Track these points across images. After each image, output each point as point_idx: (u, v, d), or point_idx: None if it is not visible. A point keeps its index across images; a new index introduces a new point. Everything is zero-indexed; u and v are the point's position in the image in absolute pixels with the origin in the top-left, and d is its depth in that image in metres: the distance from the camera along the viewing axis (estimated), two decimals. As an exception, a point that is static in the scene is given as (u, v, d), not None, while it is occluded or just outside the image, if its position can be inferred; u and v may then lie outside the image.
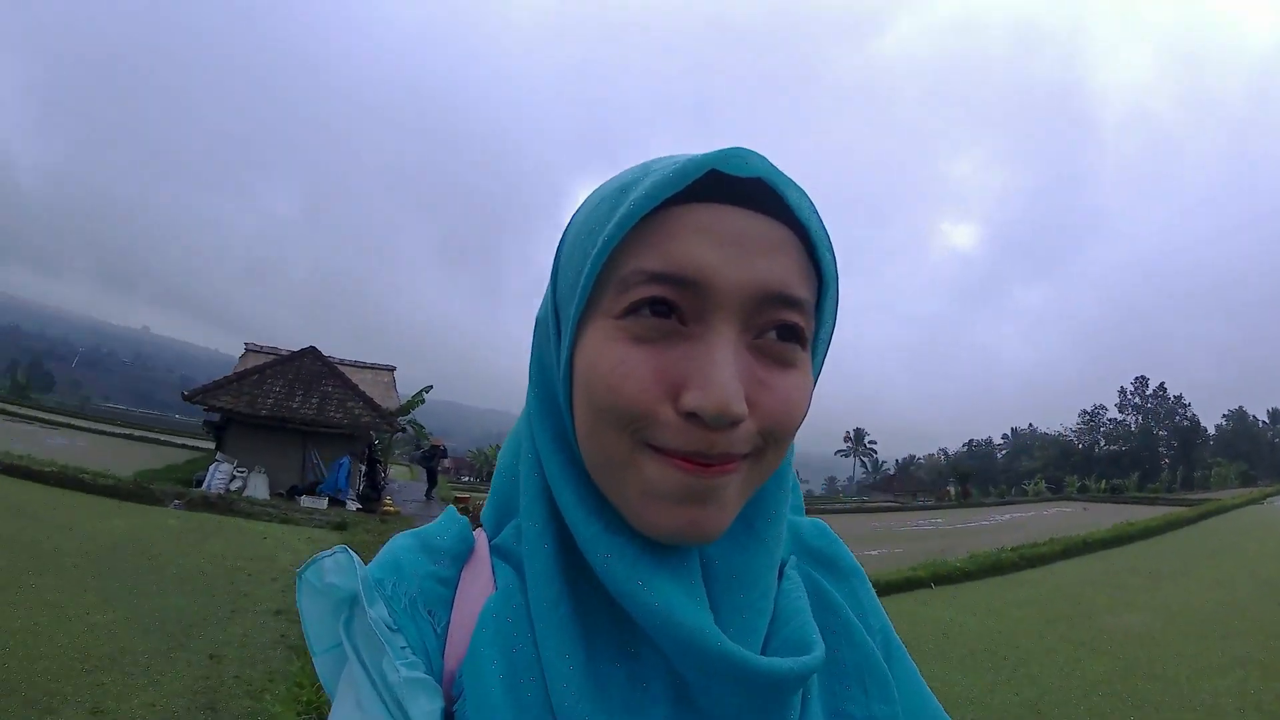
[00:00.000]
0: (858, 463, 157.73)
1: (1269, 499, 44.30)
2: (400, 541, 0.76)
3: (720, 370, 0.61)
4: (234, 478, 23.15)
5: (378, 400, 27.61)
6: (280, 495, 23.49)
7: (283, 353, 29.90)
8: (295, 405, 25.74)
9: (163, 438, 47.34)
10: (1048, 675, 8.62)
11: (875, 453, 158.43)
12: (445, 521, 0.79)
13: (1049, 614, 12.07)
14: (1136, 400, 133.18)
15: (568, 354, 0.69)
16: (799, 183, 0.68)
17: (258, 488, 23.17)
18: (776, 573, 0.75)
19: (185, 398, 25.40)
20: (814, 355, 0.73)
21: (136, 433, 47.97)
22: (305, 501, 22.60)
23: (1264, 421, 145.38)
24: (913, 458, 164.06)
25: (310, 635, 0.73)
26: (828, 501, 68.00)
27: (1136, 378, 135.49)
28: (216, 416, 25.93)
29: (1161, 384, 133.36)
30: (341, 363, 30.77)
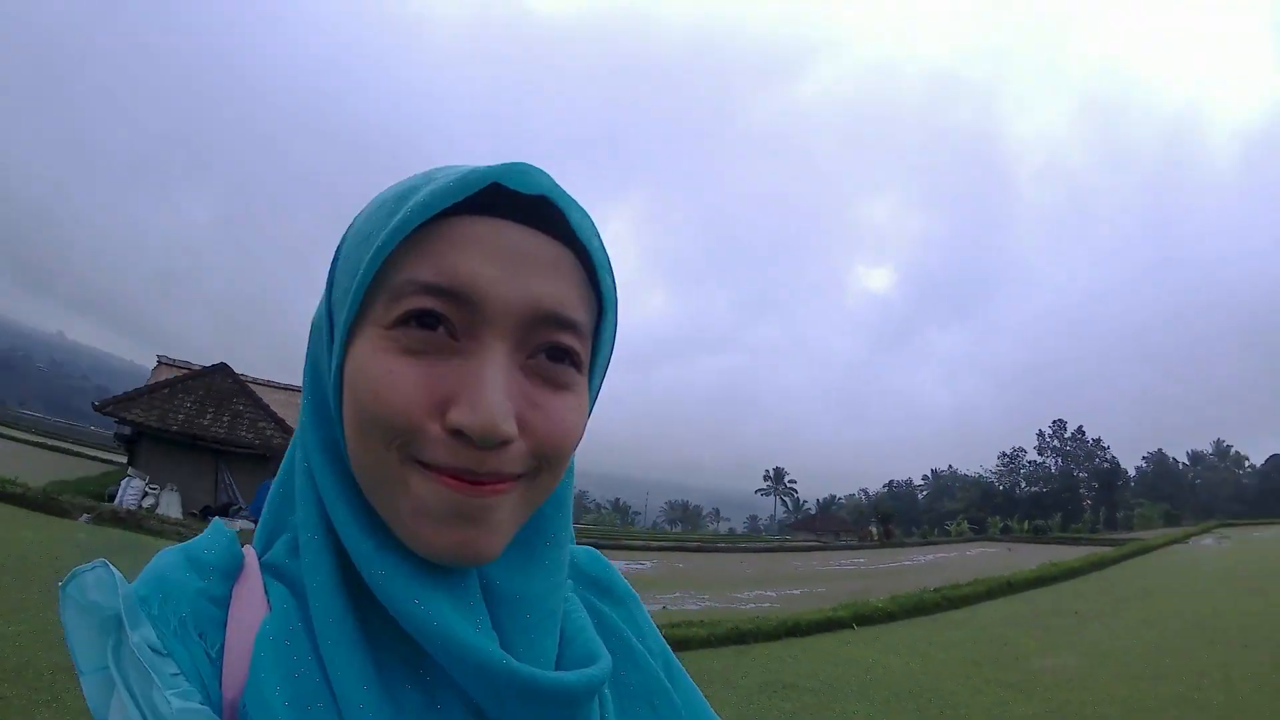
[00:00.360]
0: (779, 501, 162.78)
1: (1193, 539, 46.25)
2: (166, 557, 0.72)
3: (489, 388, 0.62)
4: (146, 494, 23.39)
5: (291, 422, 27.76)
6: (193, 515, 23.64)
7: (195, 367, 30.58)
8: (206, 422, 26.25)
9: (77, 448, 47.44)
10: (975, 718, 8.64)
11: (796, 492, 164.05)
12: (212, 534, 0.75)
13: (974, 655, 12.18)
14: (1055, 443, 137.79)
15: (338, 362, 0.68)
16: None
17: (170, 506, 23.48)
18: (561, 596, 0.76)
19: (96, 408, 25.93)
20: (591, 380, 0.74)
21: (50, 441, 49.21)
22: (217, 523, 22.92)
23: (1184, 463, 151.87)
24: (833, 497, 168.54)
25: (76, 654, 0.66)
26: (751, 540, 69.08)
27: (1054, 421, 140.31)
28: (129, 430, 26.51)
29: (1080, 427, 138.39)
30: (254, 381, 31.28)
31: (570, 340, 0.68)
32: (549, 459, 0.68)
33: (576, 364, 0.69)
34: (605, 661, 0.72)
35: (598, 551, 0.92)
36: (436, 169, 0.70)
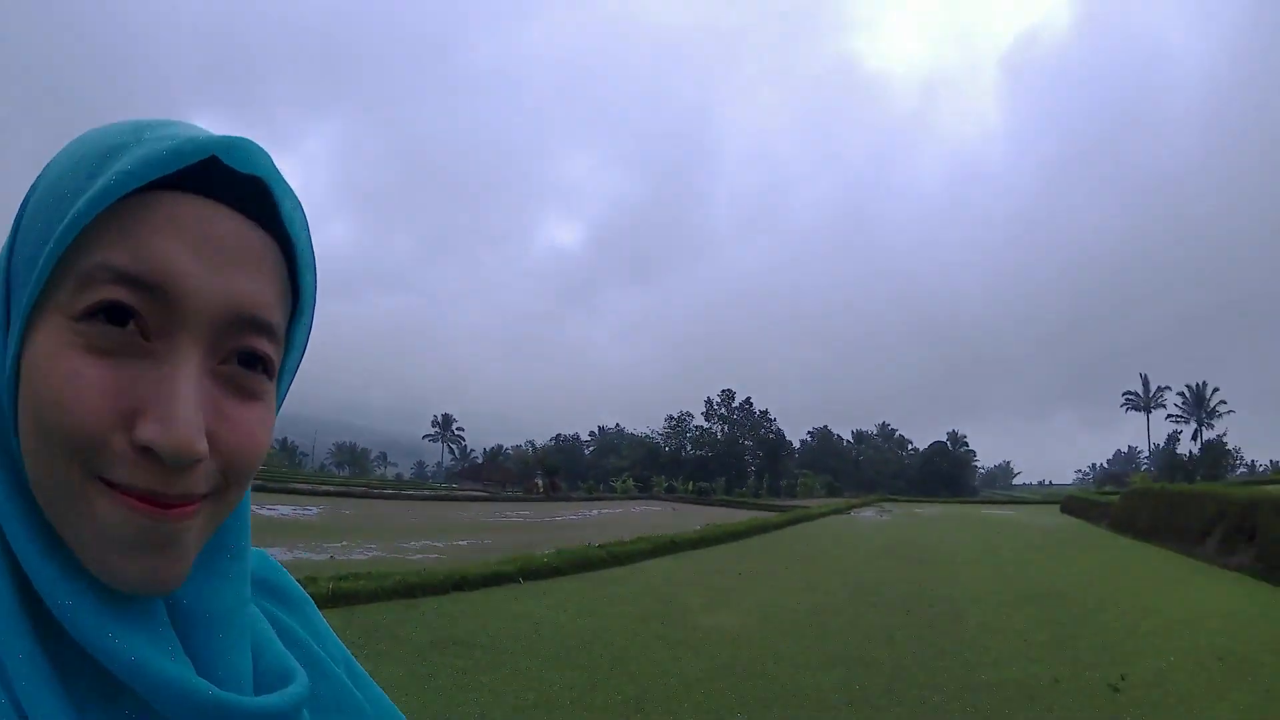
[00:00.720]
0: (446, 449, 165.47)
1: (855, 510, 50.58)
2: None
3: (182, 403, 0.59)
4: None
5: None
6: None
7: None
8: None
9: None
10: (646, 673, 8.93)
11: (464, 440, 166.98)
12: None
13: (642, 612, 12.65)
14: (723, 411, 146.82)
15: (15, 350, 0.62)
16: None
17: None
18: (249, 610, 0.74)
19: None
20: (279, 384, 0.72)
21: None
22: None
23: (848, 440, 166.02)
24: (500, 447, 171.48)
25: None
26: (418, 486, 70.06)
27: (723, 390, 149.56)
28: None
29: (748, 398, 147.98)
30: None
31: (266, 346, 0.65)
32: (238, 475, 0.65)
33: (269, 371, 0.67)
34: (303, 677, 0.72)
35: (265, 552, 0.88)
36: (145, 125, 0.63)
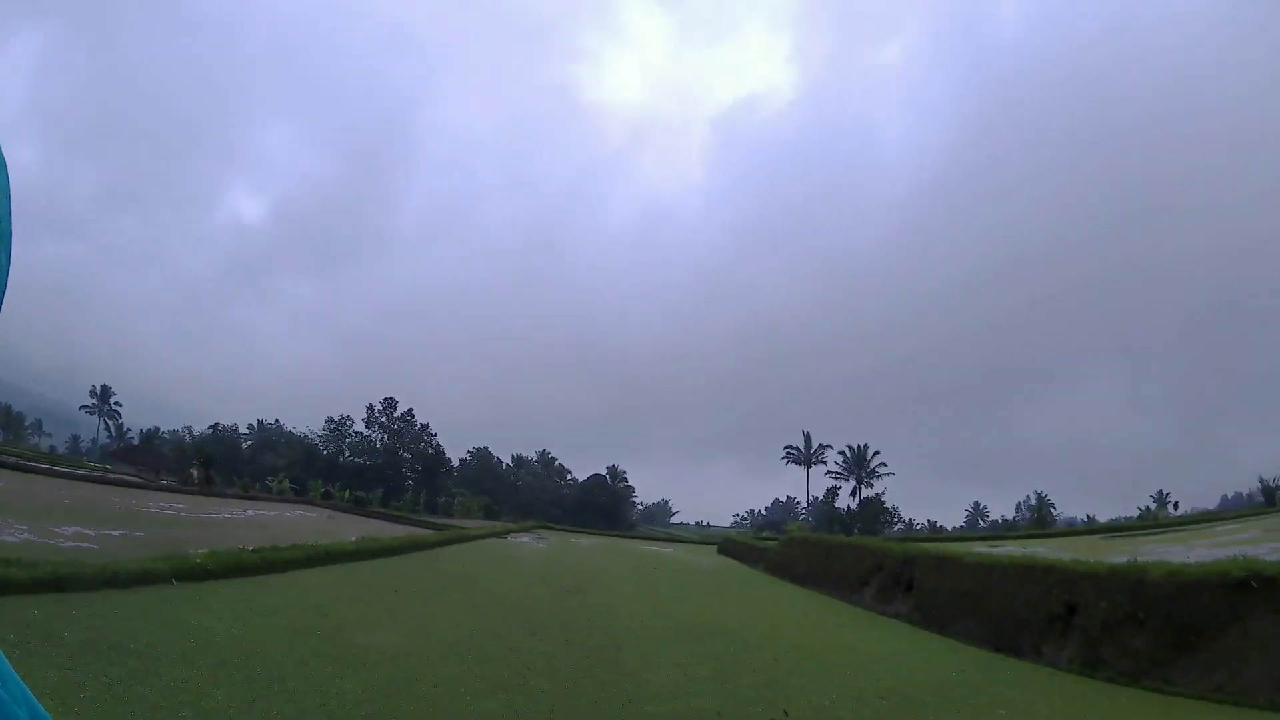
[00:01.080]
0: (103, 424, 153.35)
1: (513, 535, 51.05)
2: None
3: None
4: None
5: None
6: None
7: None
8: None
9: None
10: (305, 692, 8.67)
11: (120, 416, 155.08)
12: None
13: (298, 625, 12.34)
14: (384, 420, 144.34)
15: None
16: None
17: None
18: None
19: None
20: None
21: None
22: None
23: (508, 464, 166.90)
24: (158, 430, 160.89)
25: None
26: (72, 463, 65.57)
27: (386, 398, 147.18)
28: None
29: (410, 409, 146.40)
30: None
31: None
32: None
33: None
34: None
35: None
36: None
